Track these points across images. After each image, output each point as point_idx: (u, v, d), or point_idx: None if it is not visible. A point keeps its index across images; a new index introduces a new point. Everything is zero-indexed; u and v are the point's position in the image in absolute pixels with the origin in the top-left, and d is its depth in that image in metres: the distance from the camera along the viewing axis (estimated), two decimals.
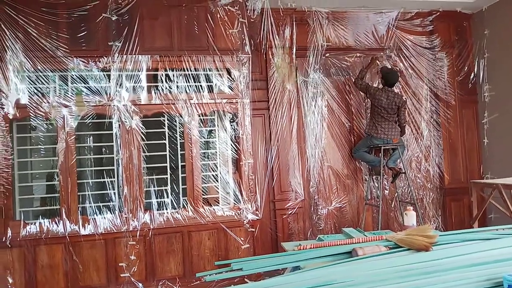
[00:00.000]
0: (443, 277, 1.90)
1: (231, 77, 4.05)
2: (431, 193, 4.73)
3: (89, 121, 3.74)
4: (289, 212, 4.27)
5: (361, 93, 4.49)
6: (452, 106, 4.76)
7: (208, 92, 3.96)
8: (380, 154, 4.26)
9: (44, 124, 3.69)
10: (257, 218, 4.00)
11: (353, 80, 4.45)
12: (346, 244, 2.43)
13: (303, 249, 2.43)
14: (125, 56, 3.75)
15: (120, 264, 3.69)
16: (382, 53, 4.65)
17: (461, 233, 2.56)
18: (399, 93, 4.51)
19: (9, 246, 3.48)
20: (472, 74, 4.83)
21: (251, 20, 4.18)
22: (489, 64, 4.69)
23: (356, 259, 2.18)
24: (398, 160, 4.41)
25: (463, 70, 4.81)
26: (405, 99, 4.40)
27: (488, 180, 4.51)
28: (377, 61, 4.60)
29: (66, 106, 3.66)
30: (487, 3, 4.58)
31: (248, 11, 4.14)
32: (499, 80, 4.55)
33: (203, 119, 4.06)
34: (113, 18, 3.74)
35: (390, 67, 4.57)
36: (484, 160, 4.82)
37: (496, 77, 4.60)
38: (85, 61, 3.69)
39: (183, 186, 3.93)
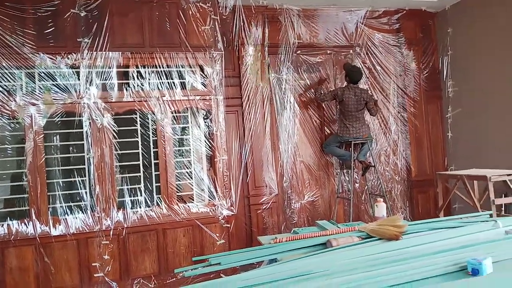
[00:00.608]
0: (412, 263, 1.99)
1: (204, 74, 4.05)
2: (399, 185, 4.90)
3: (58, 119, 3.65)
4: (264, 207, 4.33)
5: (328, 100, 4.54)
6: (418, 101, 4.95)
7: (181, 89, 3.95)
8: (350, 149, 4.38)
9: (11, 123, 3.57)
10: (232, 213, 4.03)
11: (316, 98, 4.51)
12: (320, 236, 2.50)
13: (279, 242, 2.49)
14: (95, 53, 3.68)
15: (93, 264, 3.63)
16: (351, 51, 4.76)
17: (429, 222, 2.70)
18: (365, 88, 4.61)
19: None
20: (437, 71, 5.04)
21: (223, 17, 4.20)
22: (453, 61, 4.90)
23: (330, 249, 2.26)
24: (368, 154, 4.55)
25: (428, 67, 5.01)
26: (371, 94, 4.53)
27: (452, 171, 4.71)
28: (326, 81, 4.72)
29: (33, 105, 3.55)
30: (450, 2, 4.77)
31: (220, 8, 4.15)
32: (462, 76, 4.77)
33: (176, 116, 4.04)
34: (82, 14, 3.66)
35: (353, 63, 4.67)
36: (448, 153, 5.04)
37: (459, 74, 4.81)
38: (53, 58, 3.59)
39: (157, 184, 3.90)
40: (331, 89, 4.57)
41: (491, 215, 2.90)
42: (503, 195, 3.90)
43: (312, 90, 4.61)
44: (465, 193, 3.84)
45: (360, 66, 4.65)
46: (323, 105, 4.73)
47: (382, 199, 3.18)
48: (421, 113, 4.97)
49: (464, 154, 4.78)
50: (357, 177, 4.76)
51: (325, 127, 4.74)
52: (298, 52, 4.58)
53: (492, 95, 4.35)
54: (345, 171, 4.68)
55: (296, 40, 4.51)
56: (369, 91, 4.55)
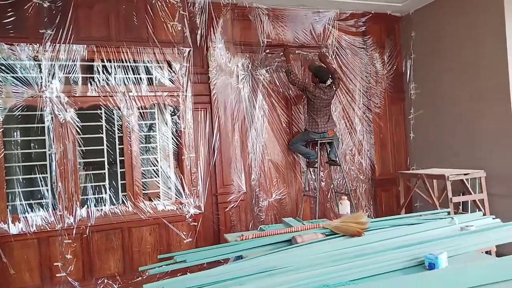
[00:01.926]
0: (374, 259, 2.06)
1: (172, 69, 4.00)
2: (363, 184, 5.04)
3: (18, 113, 3.50)
4: (231, 205, 4.33)
5: (299, 90, 4.57)
6: (383, 103, 5.09)
7: (147, 84, 3.89)
8: (316, 148, 4.46)
9: None
10: (200, 212, 4.01)
11: (288, 79, 4.46)
12: (286, 232, 2.54)
13: (245, 239, 2.51)
14: (58, 45, 3.56)
15: (55, 264, 3.52)
16: (325, 50, 4.82)
17: (390, 219, 2.79)
18: (330, 85, 4.58)
19: None
20: (401, 73, 5.21)
21: (192, 13, 4.16)
22: (415, 64, 5.07)
23: (295, 246, 2.30)
24: (334, 154, 4.65)
25: (393, 69, 5.16)
26: (334, 87, 4.53)
27: (413, 171, 4.89)
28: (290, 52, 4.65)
29: None
30: (413, 7, 4.94)
31: (189, 4, 4.11)
32: (424, 79, 4.95)
33: (143, 112, 3.97)
34: (45, 5, 3.53)
35: (317, 63, 4.71)
36: (411, 152, 5.22)
37: (421, 76, 4.99)
38: (13, 49, 3.45)
39: (122, 181, 3.82)
40: (305, 81, 4.56)
41: (448, 213, 3.03)
42: (461, 193, 4.09)
43: (283, 70, 4.58)
44: (425, 192, 3.99)
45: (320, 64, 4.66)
46: (292, 105, 4.77)
47: (346, 197, 3.26)
48: (385, 114, 5.12)
49: (425, 154, 4.97)
50: (323, 175, 4.85)
51: (293, 126, 4.79)
52: (267, 51, 4.61)
53: (451, 98, 4.54)
54: (311, 169, 4.75)
55: (265, 39, 4.54)
56: (332, 86, 4.56)
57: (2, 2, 3.41)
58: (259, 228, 2.99)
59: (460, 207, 4.26)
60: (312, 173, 4.79)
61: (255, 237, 2.53)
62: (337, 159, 4.57)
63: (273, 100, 4.69)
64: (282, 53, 4.63)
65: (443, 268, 1.90)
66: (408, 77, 5.16)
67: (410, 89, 5.15)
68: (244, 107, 4.50)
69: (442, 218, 2.72)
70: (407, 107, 5.24)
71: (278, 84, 4.71)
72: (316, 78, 4.46)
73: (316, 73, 4.46)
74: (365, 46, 5.03)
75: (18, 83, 3.47)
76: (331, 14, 4.81)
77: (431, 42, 4.79)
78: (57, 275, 3.53)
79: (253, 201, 4.56)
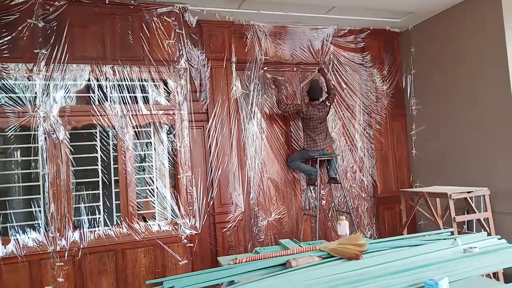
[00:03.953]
0: (371, 284, 1.95)
1: (167, 88, 3.96)
2: (365, 202, 4.92)
3: (11, 133, 3.46)
4: (229, 225, 4.23)
5: (292, 113, 4.55)
6: (383, 119, 5.02)
7: (143, 103, 3.84)
8: (316, 165, 4.37)
9: None
10: (196, 232, 3.91)
11: (280, 109, 4.40)
12: (281, 256, 2.43)
13: (239, 262, 2.41)
14: (52, 65, 3.53)
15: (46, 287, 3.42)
16: (324, 65, 4.78)
17: (390, 240, 2.68)
18: (323, 101, 4.54)
19: None
20: (401, 89, 5.14)
21: (189, 31, 4.15)
22: (416, 79, 5.01)
23: (289, 270, 2.19)
24: (334, 171, 4.55)
25: (393, 85, 5.11)
26: (325, 96, 4.52)
27: (414, 189, 4.77)
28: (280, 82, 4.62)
29: None
30: (412, 23, 4.91)
31: (186, 22, 4.09)
32: (425, 94, 4.88)
33: (138, 131, 3.92)
34: (40, 25, 3.52)
35: (315, 79, 4.65)
36: (413, 169, 5.11)
37: (422, 92, 4.92)
38: (6, 70, 3.42)
39: (117, 202, 3.74)
40: (296, 103, 4.54)
41: (452, 233, 2.92)
42: (466, 211, 3.96)
43: (275, 101, 4.54)
44: (427, 210, 3.87)
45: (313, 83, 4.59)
46: (290, 121, 4.71)
47: (345, 217, 3.15)
48: (386, 130, 5.04)
49: (428, 170, 4.86)
50: (323, 193, 4.74)
51: (292, 143, 4.72)
52: (265, 68, 4.58)
53: (453, 114, 4.46)
54: (311, 187, 4.65)
55: (263, 56, 4.51)
56: (325, 102, 4.50)
57: None
58: (254, 250, 2.88)
59: (465, 226, 4.12)
60: (312, 191, 4.69)
61: (249, 260, 2.42)
62: (337, 176, 4.47)
63: (271, 117, 4.64)
64: (273, 84, 4.59)
65: None
66: (408, 92, 5.09)
67: (411, 105, 5.08)
68: (242, 124, 4.44)
69: (445, 239, 2.60)
70: (408, 123, 5.16)
71: (275, 101, 4.65)
72: (307, 96, 4.44)
73: (308, 92, 4.44)
74: (364, 62, 4.99)
75: (11, 103, 3.44)
76: (329, 31, 4.79)
77: (431, 57, 4.74)
78: None
79: (252, 221, 4.45)
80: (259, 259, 2.45)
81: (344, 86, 4.88)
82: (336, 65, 4.87)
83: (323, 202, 4.76)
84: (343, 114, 4.88)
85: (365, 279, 2.02)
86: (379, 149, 4.99)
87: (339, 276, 2.04)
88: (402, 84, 5.15)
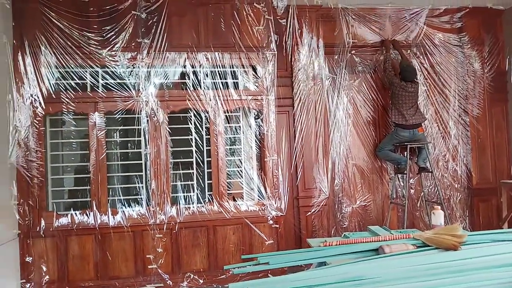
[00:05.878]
0: (470, 276, 1.89)
1: (256, 74, 4.08)
2: (458, 193, 4.64)
3: (118, 116, 3.84)
4: (313, 210, 4.27)
5: (386, 79, 4.42)
6: (481, 104, 4.65)
7: (233, 88, 4.01)
8: (405, 153, 4.22)
9: (76, 119, 3.81)
10: (281, 214, 4.02)
11: (384, 65, 4.39)
12: (372, 241, 2.43)
13: (329, 245, 2.45)
14: (153, 53, 3.83)
15: (147, 256, 3.78)
16: (415, 48, 4.56)
17: (491, 233, 2.53)
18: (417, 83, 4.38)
19: (43, 236, 3.63)
20: (503, 72, 4.71)
21: (277, 17, 4.20)
22: None
23: (383, 256, 2.18)
24: (423, 159, 4.35)
25: (493, 68, 4.70)
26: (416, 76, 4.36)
27: None
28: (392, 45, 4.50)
29: (96, 102, 3.77)
30: None
31: (274, 8, 4.15)
32: None
33: (229, 115, 4.10)
34: (143, 16, 3.83)
35: (408, 62, 4.48)
36: None
37: None
38: (115, 58, 3.79)
39: (209, 181, 3.99)
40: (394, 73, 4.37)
41: None
42: None
43: (384, 50, 4.47)
44: None
45: (411, 64, 4.44)
46: (379, 107, 4.57)
47: (439, 207, 3.02)
48: (484, 117, 4.67)
49: None
50: (412, 182, 4.57)
51: (380, 130, 4.59)
52: (353, 52, 4.48)
53: None
54: (399, 175, 4.50)
55: (351, 40, 4.42)
56: (418, 82, 4.35)
57: (103, 18, 3.76)
58: (343, 235, 2.90)
59: None
60: (400, 179, 4.54)
61: (340, 244, 2.46)
62: (428, 165, 4.27)
63: (359, 102, 4.55)
64: (382, 45, 4.51)
65: None
66: (511, 76, 4.64)
67: None
68: (327, 109, 4.42)
69: None
70: (510, 109, 4.72)
71: (364, 86, 4.55)
72: (400, 75, 4.26)
73: (402, 69, 4.28)
74: (461, 44, 4.65)
75: (118, 89, 3.81)
76: (422, 11, 4.53)
77: None
78: (149, 266, 3.78)
79: (336, 207, 4.45)
80: (350, 243, 2.47)
81: (437, 69, 4.60)
82: (429, 47, 4.60)
83: (412, 191, 4.58)
84: (435, 99, 4.62)
85: (464, 270, 1.95)
86: (475, 137, 4.64)
87: (438, 265, 1.99)
88: (505, 66, 4.71)
